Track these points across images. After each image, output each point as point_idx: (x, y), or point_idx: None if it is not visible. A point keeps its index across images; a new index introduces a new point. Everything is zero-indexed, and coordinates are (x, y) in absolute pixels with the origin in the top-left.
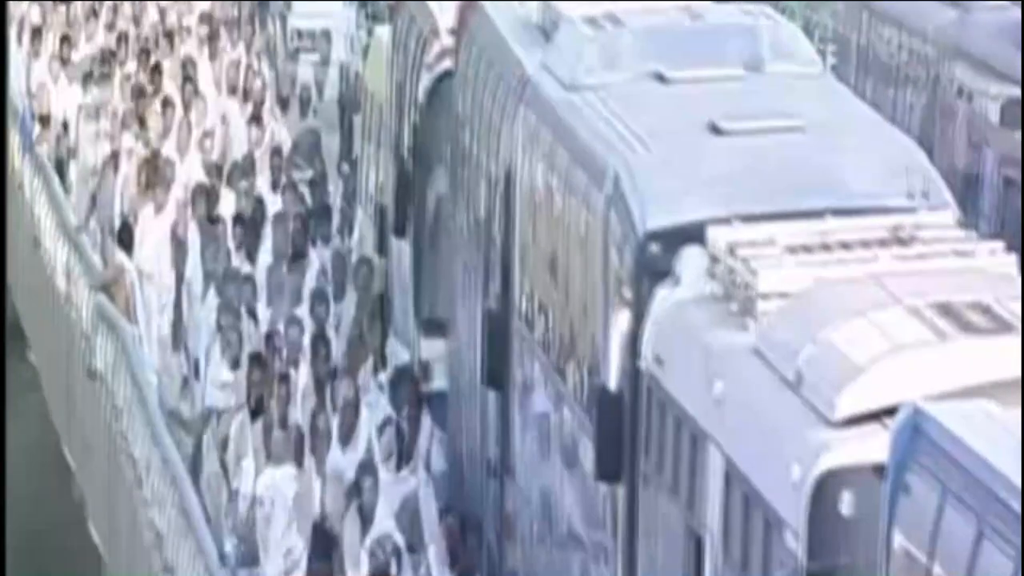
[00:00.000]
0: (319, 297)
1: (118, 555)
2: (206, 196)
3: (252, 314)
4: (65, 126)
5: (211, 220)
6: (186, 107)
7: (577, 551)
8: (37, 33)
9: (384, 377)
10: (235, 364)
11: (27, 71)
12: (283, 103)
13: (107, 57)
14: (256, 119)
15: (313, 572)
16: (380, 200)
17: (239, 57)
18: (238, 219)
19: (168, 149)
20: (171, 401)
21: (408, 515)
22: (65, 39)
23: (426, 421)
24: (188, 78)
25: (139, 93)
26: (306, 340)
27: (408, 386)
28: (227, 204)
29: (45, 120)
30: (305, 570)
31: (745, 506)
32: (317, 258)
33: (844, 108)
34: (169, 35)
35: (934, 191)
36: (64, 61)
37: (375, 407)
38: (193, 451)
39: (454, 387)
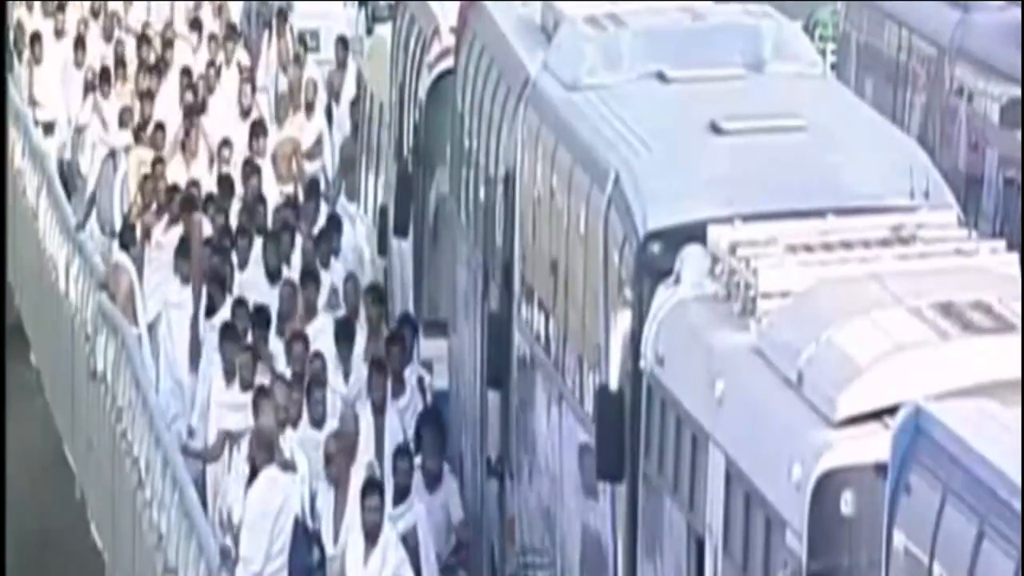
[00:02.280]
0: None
1: (120, 557)
2: (216, 209)
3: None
4: (71, 131)
5: (222, 234)
6: (190, 116)
7: (578, 552)
8: (37, 39)
9: (403, 402)
10: (246, 385)
11: (29, 77)
12: (293, 109)
13: (115, 62)
14: (260, 127)
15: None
16: (381, 200)
17: (245, 63)
18: (244, 232)
19: (176, 160)
20: (184, 435)
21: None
22: (77, 43)
23: (449, 482)
24: (193, 86)
25: (147, 98)
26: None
27: (434, 433)
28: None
29: (48, 127)
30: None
31: (746, 506)
32: (329, 274)
33: (845, 108)
34: (170, 43)
35: (935, 191)
36: (78, 65)
37: (393, 434)
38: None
39: (454, 387)
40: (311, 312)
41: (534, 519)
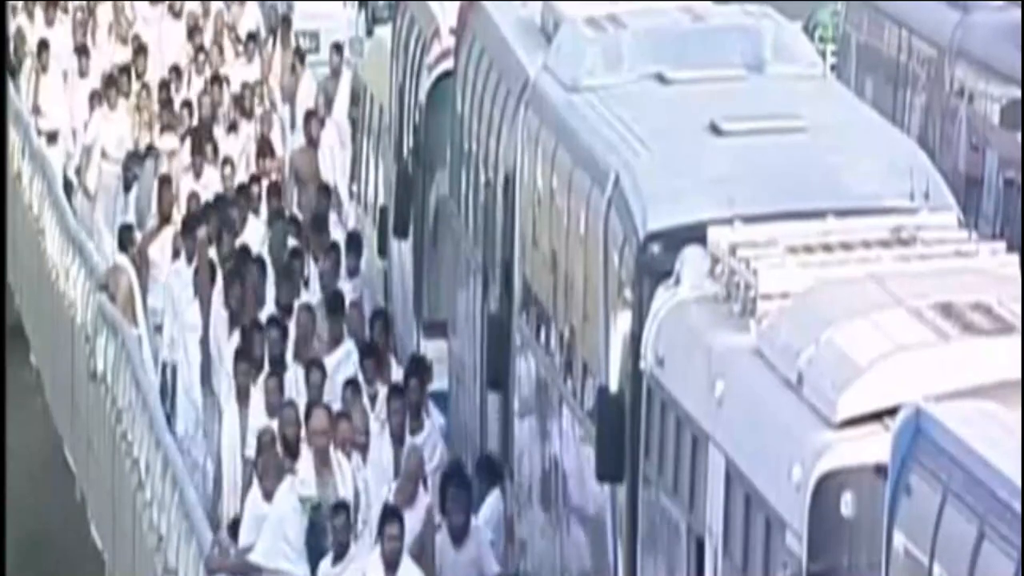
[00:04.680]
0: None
1: (120, 557)
2: (229, 228)
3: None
4: (78, 148)
5: (235, 255)
6: (201, 130)
7: (578, 552)
8: (44, 47)
9: (420, 439)
10: (273, 411)
11: (35, 85)
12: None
13: (123, 71)
14: (267, 143)
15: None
16: (382, 201)
17: (253, 73)
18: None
19: (187, 175)
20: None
21: None
22: (80, 51)
23: (478, 536)
24: (188, 103)
25: (162, 107)
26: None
27: (459, 489)
28: (253, 237)
29: (52, 136)
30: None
31: (746, 507)
32: (350, 293)
33: (845, 109)
34: (202, 50)
35: (935, 192)
36: (82, 74)
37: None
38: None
39: (454, 387)
40: (337, 340)
41: (534, 520)
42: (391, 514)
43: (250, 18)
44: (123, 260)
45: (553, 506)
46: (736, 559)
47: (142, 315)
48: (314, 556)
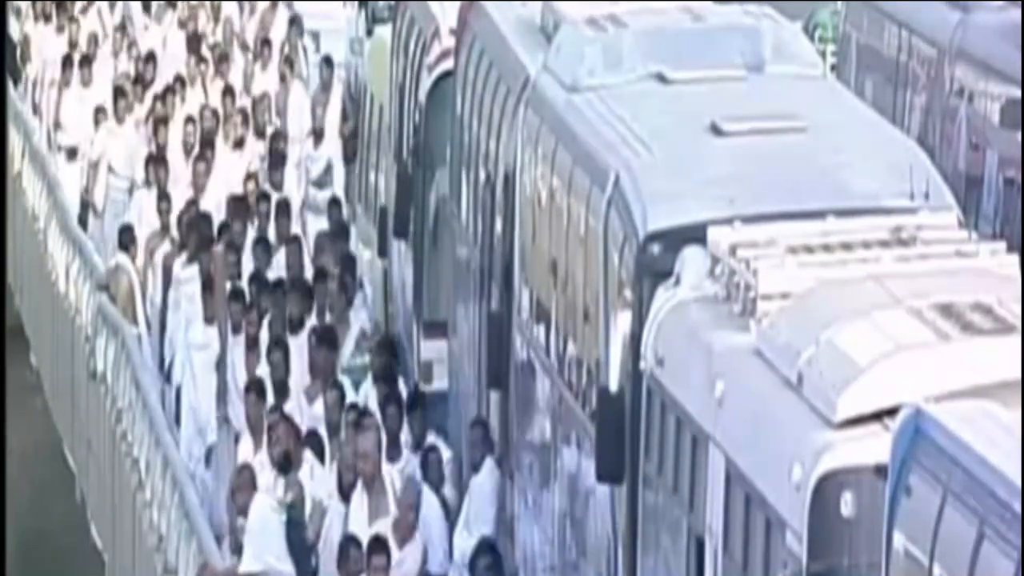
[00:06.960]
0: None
1: (120, 557)
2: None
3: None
4: (86, 164)
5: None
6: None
7: (578, 552)
8: (68, 62)
9: (398, 467)
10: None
11: (56, 102)
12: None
13: (135, 83)
14: (279, 158)
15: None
16: (381, 201)
17: (267, 82)
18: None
19: (200, 193)
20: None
21: None
22: (85, 61)
23: None
24: (213, 115)
25: (165, 123)
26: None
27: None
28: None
29: (72, 152)
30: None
31: (746, 507)
32: (355, 315)
33: (845, 109)
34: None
35: (935, 192)
36: (85, 84)
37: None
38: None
39: (454, 387)
40: (330, 377)
41: (534, 519)
42: (376, 546)
43: (280, 26)
44: (124, 260)
45: (553, 507)
46: (736, 559)
47: (142, 315)
48: (295, 551)
